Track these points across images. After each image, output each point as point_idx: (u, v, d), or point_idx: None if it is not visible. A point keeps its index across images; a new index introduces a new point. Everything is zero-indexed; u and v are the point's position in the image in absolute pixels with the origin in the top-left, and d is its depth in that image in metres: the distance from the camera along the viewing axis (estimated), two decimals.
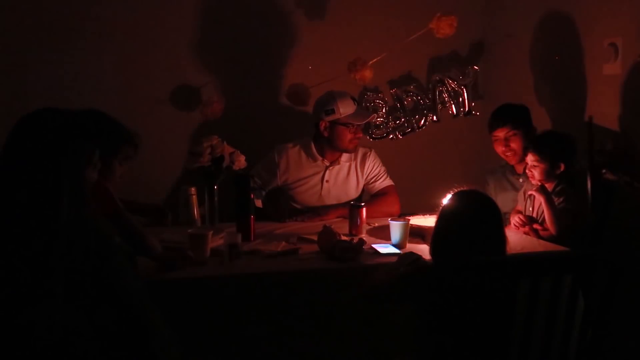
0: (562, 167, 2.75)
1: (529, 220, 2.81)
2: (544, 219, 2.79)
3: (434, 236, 2.00)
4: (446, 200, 2.06)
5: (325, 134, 3.15)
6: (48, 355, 1.58)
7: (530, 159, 2.78)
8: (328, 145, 3.19)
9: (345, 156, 3.24)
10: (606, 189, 2.84)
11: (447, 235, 1.96)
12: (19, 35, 3.41)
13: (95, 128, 1.80)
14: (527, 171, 2.84)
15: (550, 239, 2.68)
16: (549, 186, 2.78)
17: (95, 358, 1.62)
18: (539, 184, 2.78)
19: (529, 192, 2.82)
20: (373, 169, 3.28)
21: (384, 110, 3.56)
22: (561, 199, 2.73)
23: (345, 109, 3.09)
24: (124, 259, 1.71)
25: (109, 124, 2.27)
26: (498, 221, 1.95)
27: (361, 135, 3.21)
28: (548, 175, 2.76)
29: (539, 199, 2.76)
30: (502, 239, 1.93)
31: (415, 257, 2.11)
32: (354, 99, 3.17)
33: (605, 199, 2.84)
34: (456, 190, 2.04)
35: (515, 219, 2.85)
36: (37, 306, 1.57)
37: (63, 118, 1.71)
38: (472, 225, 1.91)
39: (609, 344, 1.94)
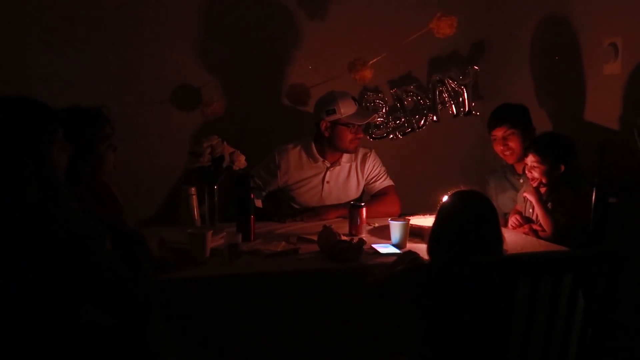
0: (562, 168, 2.75)
1: (525, 221, 2.83)
2: None
3: (431, 235, 2.01)
4: (444, 200, 2.07)
5: (326, 134, 3.15)
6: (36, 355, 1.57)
7: (530, 159, 2.78)
8: (329, 145, 3.18)
9: (345, 157, 3.24)
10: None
11: (442, 235, 1.96)
12: (19, 35, 3.41)
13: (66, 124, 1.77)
14: (526, 172, 2.84)
15: (550, 239, 2.69)
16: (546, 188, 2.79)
17: (94, 358, 1.62)
18: (537, 184, 2.80)
19: (523, 194, 2.83)
20: (373, 169, 3.28)
21: (384, 110, 3.56)
22: (556, 199, 2.73)
23: (346, 109, 3.09)
24: (103, 246, 1.66)
25: (77, 113, 2.22)
26: (494, 221, 1.95)
27: (362, 135, 3.21)
28: (548, 176, 2.76)
29: (531, 200, 2.77)
30: (499, 239, 1.94)
31: (413, 256, 2.11)
32: (354, 99, 3.17)
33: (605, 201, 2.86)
34: (454, 190, 2.05)
35: (511, 220, 2.86)
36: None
37: (18, 102, 1.68)
38: (467, 225, 1.91)
39: (609, 344, 1.94)
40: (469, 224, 1.91)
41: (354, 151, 3.22)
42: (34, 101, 1.71)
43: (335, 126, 3.12)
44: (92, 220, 1.66)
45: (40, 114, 1.69)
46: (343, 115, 3.09)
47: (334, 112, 3.09)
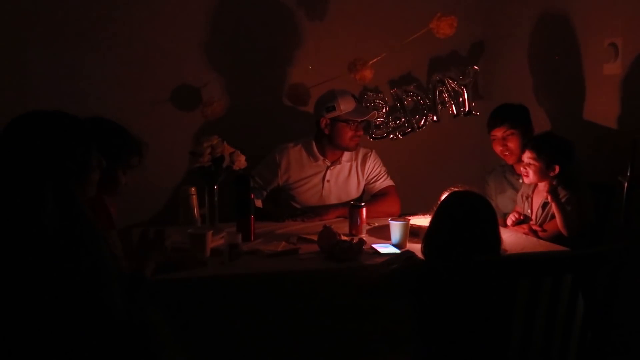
0: (557, 169, 2.74)
1: (524, 218, 2.84)
2: (542, 221, 2.80)
3: (426, 234, 2.01)
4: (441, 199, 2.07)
5: (326, 131, 3.15)
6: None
7: (526, 155, 2.79)
8: (329, 143, 3.19)
9: (346, 156, 3.24)
10: (606, 190, 2.85)
11: (436, 233, 1.96)
12: (19, 34, 3.41)
13: (98, 136, 1.75)
14: (521, 169, 2.85)
15: (550, 239, 2.69)
16: (544, 185, 2.78)
17: (94, 358, 1.62)
18: (533, 183, 2.80)
19: (544, 193, 2.77)
20: (374, 169, 3.28)
21: (384, 110, 3.55)
22: (564, 201, 2.73)
23: (346, 105, 3.10)
24: (114, 274, 1.65)
25: (117, 133, 2.23)
26: (491, 221, 1.95)
27: (362, 133, 3.21)
28: (542, 174, 2.76)
29: (542, 198, 2.77)
30: (496, 240, 1.93)
31: (408, 255, 2.11)
32: (354, 97, 3.18)
33: (605, 200, 2.86)
34: (451, 190, 2.05)
35: (510, 216, 2.86)
36: (20, 313, 1.54)
37: (55, 122, 1.67)
38: (462, 224, 1.91)
39: (609, 344, 1.94)
40: (463, 223, 1.91)
41: (354, 149, 3.22)
42: (69, 118, 1.69)
43: (335, 123, 3.13)
44: (108, 252, 1.65)
45: (71, 132, 1.68)
46: (343, 112, 3.10)
47: (333, 109, 3.10)
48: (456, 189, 2.07)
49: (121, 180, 2.23)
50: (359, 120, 3.14)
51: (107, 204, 2.19)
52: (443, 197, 2.08)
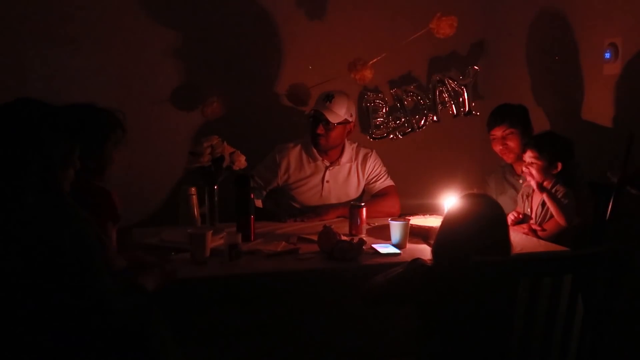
0: (559, 166, 2.75)
1: (524, 218, 2.84)
2: (542, 220, 2.80)
3: (438, 236, 1.98)
4: (448, 202, 2.05)
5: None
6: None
7: (528, 155, 2.79)
8: None
9: (345, 157, 3.24)
10: (606, 190, 2.85)
11: (452, 237, 1.94)
12: (18, 35, 3.41)
13: (78, 123, 1.77)
14: (523, 169, 2.85)
15: (550, 238, 2.69)
16: (546, 185, 2.78)
17: (94, 357, 1.62)
18: (535, 182, 2.80)
19: (527, 184, 2.81)
20: (374, 170, 3.28)
21: (384, 110, 3.54)
22: (561, 195, 2.73)
23: (315, 102, 3.16)
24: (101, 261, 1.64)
25: (93, 114, 2.21)
26: (504, 226, 1.95)
27: (322, 131, 3.14)
28: (545, 173, 2.76)
29: (541, 197, 2.77)
30: (508, 245, 1.93)
31: (413, 259, 2.10)
32: (328, 94, 3.15)
33: (605, 199, 2.85)
34: (465, 194, 2.03)
35: (510, 215, 2.86)
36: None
37: (39, 109, 1.67)
38: (479, 228, 1.89)
39: (609, 345, 1.94)
40: (481, 228, 1.89)
41: (320, 148, 3.19)
42: (58, 115, 1.70)
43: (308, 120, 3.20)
44: (93, 231, 1.65)
45: (58, 127, 1.68)
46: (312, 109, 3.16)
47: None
48: (470, 192, 2.05)
49: (114, 157, 2.24)
50: (308, 111, 3.17)
51: (113, 196, 2.19)
52: (451, 199, 2.06)
